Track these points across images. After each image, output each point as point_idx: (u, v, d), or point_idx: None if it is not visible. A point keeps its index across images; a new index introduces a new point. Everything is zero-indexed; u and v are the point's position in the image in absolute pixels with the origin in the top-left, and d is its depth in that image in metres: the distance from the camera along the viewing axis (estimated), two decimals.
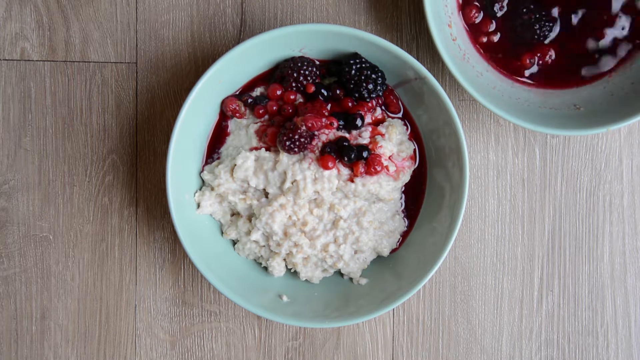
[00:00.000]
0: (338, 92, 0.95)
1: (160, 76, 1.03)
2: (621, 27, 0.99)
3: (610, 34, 0.99)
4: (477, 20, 0.99)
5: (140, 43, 1.03)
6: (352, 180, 0.93)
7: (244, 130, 0.97)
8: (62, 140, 1.03)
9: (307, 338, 1.05)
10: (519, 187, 1.05)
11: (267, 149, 0.96)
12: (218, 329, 1.05)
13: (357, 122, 0.94)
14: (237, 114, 0.97)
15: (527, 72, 1.00)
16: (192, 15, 1.03)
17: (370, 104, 0.96)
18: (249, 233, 0.97)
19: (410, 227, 1.00)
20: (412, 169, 0.99)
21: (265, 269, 1.00)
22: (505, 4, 0.98)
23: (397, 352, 1.05)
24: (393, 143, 0.95)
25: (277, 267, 0.97)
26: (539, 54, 0.99)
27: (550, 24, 0.98)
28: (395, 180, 0.95)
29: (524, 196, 1.05)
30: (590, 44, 0.99)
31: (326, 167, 0.92)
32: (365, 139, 0.94)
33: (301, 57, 0.94)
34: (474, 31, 0.99)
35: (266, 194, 0.96)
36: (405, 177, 0.97)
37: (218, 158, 0.99)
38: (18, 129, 1.03)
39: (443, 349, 1.06)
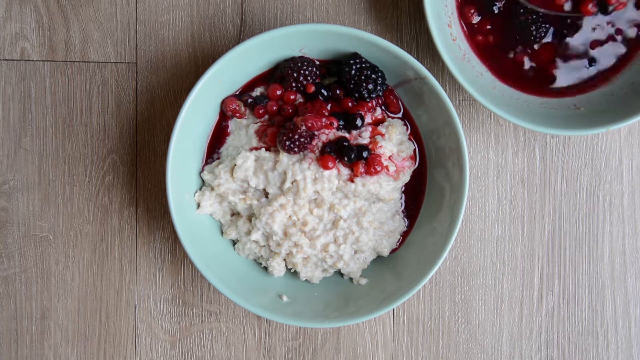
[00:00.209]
0: (338, 92, 0.95)
1: (160, 76, 1.03)
2: (621, 26, 0.99)
3: (610, 33, 0.99)
4: (475, 20, 0.99)
5: (140, 43, 1.03)
6: (352, 180, 0.93)
7: (244, 130, 0.97)
8: (62, 140, 1.03)
9: (307, 338, 1.05)
10: (519, 187, 1.05)
11: (267, 149, 0.96)
12: (218, 329, 1.05)
13: (357, 122, 0.94)
14: (237, 114, 0.97)
15: (525, 73, 1.00)
16: (192, 15, 1.03)
17: (370, 104, 0.96)
18: (249, 233, 0.97)
19: (410, 227, 1.00)
20: (412, 169, 0.99)
21: (265, 269, 1.00)
22: (502, 4, 0.98)
23: (397, 352, 1.05)
24: (393, 143, 0.95)
25: (277, 267, 0.97)
26: (536, 55, 0.99)
27: (547, 25, 0.98)
28: (395, 180, 0.95)
29: (524, 196, 1.06)
30: (590, 44, 0.99)
31: (326, 167, 0.92)
32: (365, 139, 0.94)
33: (301, 57, 0.94)
34: (473, 31, 0.99)
35: (266, 194, 0.96)
36: (405, 177, 0.97)
37: (218, 158, 0.99)
38: (18, 129, 1.03)
39: (443, 349, 1.06)
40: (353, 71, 0.92)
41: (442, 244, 0.93)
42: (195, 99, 0.91)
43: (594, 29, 0.98)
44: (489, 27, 0.99)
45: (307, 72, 0.94)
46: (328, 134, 0.94)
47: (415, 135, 0.99)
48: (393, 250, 1.00)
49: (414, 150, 0.99)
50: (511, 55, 0.99)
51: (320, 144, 0.93)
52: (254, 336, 1.05)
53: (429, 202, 0.99)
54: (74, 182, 1.04)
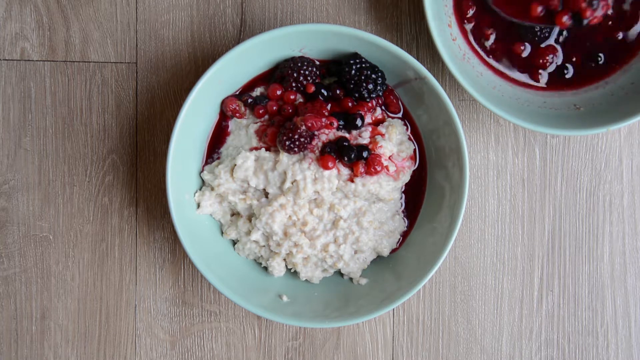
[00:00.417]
0: (338, 92, 0.95)
1: (160, 76, 1.03)
2: (621, 27, 0.99)
3: (611, 33, 0.99)
4: (470, 14, 0.98)
5: (140, 43, 1.03)
6: (352, 180, 0.93)
7: (244, 130, 0.97)
8: (62, 140, 1.03)
9: (307, 338, 1.05)
10: (519, 187, 1.05)
11: (267, 149, 0.96)
12: (218, 329, 1.05)
13: (357, 122, 0.94)
14: (237, 114, 0.97)
15: (527, 74, 1.00)
16: (192, 15, 1.03)
17: (370, 104, 0.96)
18: (249, 233, 0.97)
19: (410, 227, 1.00)
20: (412, 169, 0.99)
21: (265, 269, 1.00)
22: None
23: (397, 352, 1.05)
24: (393, 143, 0.95)
25: (277, 267, 0.97)
26: (539, 54, 0.99)
27: (550, 26, 0.98)
28: (395, 180, 0.95)
29: (524, 196, 1.05)
30: (591, 44, 0.99)
31: (326, 167, 0.92)
32: (365, 139, 0.94)
33: (301, 57, 0.94)
34: (473, 31, 0.99)
35: (266, 194, 0.96)
36: (405, 177, 0.97)
37: (218, 158, 0.99)
38: (18, 129, 1.03)
39: (443, 349, 1.06)
40: (353, 71, 0.92)
41: (442, 244, 0.93)
42: (195, 99, 0.91)
43: (596, 28, 0.98)
44: (490, 27, 0.99)
45: (307, 72, 0.94)
46: (328, 134, 0.94)
47: (415, 135, 0.99)
48: (393, 250, 1.00)
49: (414, 150, 0.99)
50: (513, 55, 0.99)
51: (320, 144, 0.93)
52: (254, 336, 1.05)
53: (429, 202, 0.99)
54: (74, 182, 1.04)
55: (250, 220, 0.97)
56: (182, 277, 1.05)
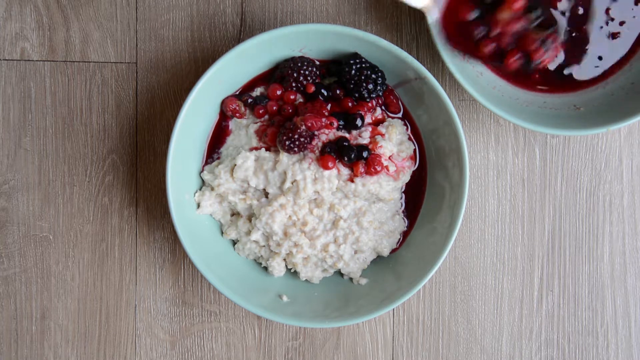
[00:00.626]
0: (338, 92, 0.95)
1: (160, 76, 1.03)
2: (620, 26, 0.99)
3: (611, 33, 0.99)
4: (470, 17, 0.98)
5: (140, 43, 1.03)
6: (352, 180, 0.93)
7: (244, 130, 0.97)
8: (62, 140, 1.03)
9: (307, 338, 1.05)
10: (519, 187, 1.05)
11: (267, 149, 0.96)
12: (218, 329, 1.05)
13: (357, 122, 0.94)
14: (237, 114, 0.97)
15: (527, 72, 1.00)
16: (192, 15, 1.03)
17: (370, 104, 0.96)
18: (249, 233, 0.97)
19: (410, 227, 1.00)
20: (412, 169, 0.99)
21: (265, 269, 1.00)
22: None
23: (397, 352, 1.05)
24: (393, 143, 0.95)
25: (277, 267, 0.97)
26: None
27: (552, 25, 0.98)
28: (395, 180, 0.95)
29: (524, 196, 1.05)
30: (591, 45, 0.99)
31: (326, 167, 0.92)
32: (365, 139, 0.94)
33: (301, 57, 0.94)
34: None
35: (266, 194, 0.96)
36: (405, 177, 0.97)
37: (218, 158, 0.99)
38: (18, 129, 1.03)
39: (443, 349, 1.06)
40: (353, 71, 0.92)
41: (442, 244, 0.93)
42: (195, 99, 0.91)
43: (600, 27, 0.98)
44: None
45: (307, 72, 0.94)
46: (328, 134, 0.94)
47: (415, 135, 0.99)
48: (393, 250, 1.00)
49: (414, 150, 0.99)
50: (513, 55, 0.99)
51: (320, 144, 0.93)
52: (254, 336, 1.05)
53: (429, 202, 0.99)
54: (74, 182, 1.04)
55: (250, 220, 0.97)
56: (182, 277, 1.05)
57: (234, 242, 1.00)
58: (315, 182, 0.92)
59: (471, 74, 0.97)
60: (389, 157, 0.95)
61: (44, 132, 1.03)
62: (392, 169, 0.95)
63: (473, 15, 0.79)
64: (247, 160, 0.94)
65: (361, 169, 0.92)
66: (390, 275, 0.98)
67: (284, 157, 0.93)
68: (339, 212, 0.95)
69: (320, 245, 0.95)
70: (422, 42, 1.04)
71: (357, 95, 0.94)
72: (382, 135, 0.95)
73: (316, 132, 0.93)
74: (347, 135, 0.94)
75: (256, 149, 0.96)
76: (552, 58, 0.79)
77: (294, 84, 0.94)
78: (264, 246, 0.97)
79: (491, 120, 1.05)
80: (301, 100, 0.96)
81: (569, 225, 1.06)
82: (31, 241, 1.04)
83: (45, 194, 1.04)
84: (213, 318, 1.05)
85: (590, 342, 1.06)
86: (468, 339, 1.06)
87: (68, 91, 1.03)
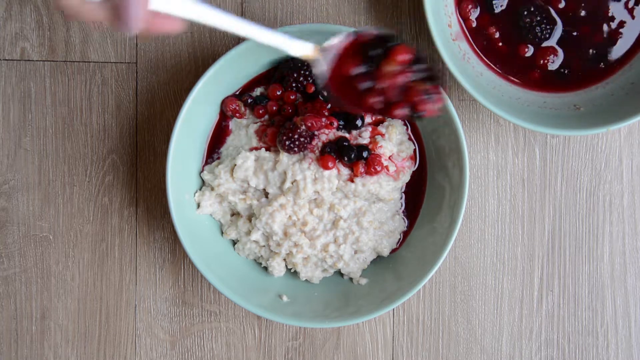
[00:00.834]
0: None
1: (160, 76, 1.03)
2: (621, 27, 0.99)
3: (611, 33, 0.99)
4: (473, 16, 0.98)
5: (140, 43, 1.03)
6: (352, 180, 0.93)
7: (244, 130, 0.97)
8: (62, 140, 1.03)
9: (307, 338, 1.05)
10: (519, 187, 1.05)
11: (267, 149, 0.96)
12: (218, 329, 1.05)
13: (357, 122, 0.94)
14: (237, 114, 0.97)
15: (527, 74, 1.00)
16: None
17: None
18: (249, 233, 0.97)
19: (410, 227, 1.00)
20: (412, 169, 0.99)
21: (265, 269, 1.00)
22: (505, 3, 0.98)
23: (397, 352, 1.05)
24: (393, 143, 0.95)
25: (277, 267, 0.97)
26: (538, 56, 0.99)
27: (550, 27, 0.98)
28: (395, 180, 0.95)
29: (524, 196, 1.05)
30: (591, 45, 0.99)
31: (326, 167, 0.92)
32: (365, 139, 0.94)
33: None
34: (473, 31, 0.99)
35: (266, 194, 0.96)
36: (406, 177, 0.97)
37: (218, 158, 0.99)
38: (18, 129, 1.03)
39: (443, 349, 1.06)
40: None
41: (442, 244, 0.93)
42: (195, 99, 0.91)
43: (600, 27, 0.98)
44: (490, 26, 0.99)
45: (307, 72, 0.94)
46: (328, 134, 0.94)
47: (415, 135, 0.99)
48: (393, 250, 1.00)
49: (414, 150, 0.99)
50: (513, 55, 0.99)
51: (320, 144, 0.93)
52: (254, 336, 1.05)
53: (429, 202, 0.99)
54: (74, 182, 1.04)
55: (250, 220, 0.97)
56: (182, 277, 1.05)
57: (234, 242, 1.00)
58: (315, 182, 0.92)
59: (471, 74, 0.97)
60: (389, 157, 0.95)
61: (44, 132, 1.03)
62: (392, 169, 0.95)
63: (359, 69, 0.81)
64: (247, 160, 0.94)
65: (361, 169, 0.92)
66: (390, 275, 0.98)
67: (284, 157, 0.93)
68: (339, 212, 0.95)
69: (320, 245, 0.95)
70: (422, 42, 1.04)
71: None
72: (382, 135, 0.95)
73: (316, 132, 0.93)
74: (347, 135, 0.94)
75: (256, 149, 0.96)
76: (436, 108, 0.82)
77: (294, 84, 0.94)
78: (264, 246, 0.97)
79: (491, 120, 1.05)
80: (301, 100, 0.96)
81: (569, 225, 1.06)
82: (31, 241, 1.04)
83: (45, 194, 1.04)
84: (213, 318, 1.05)
85: (590, 342, 1.06)
86: (468, 339, 1.06)
87: (68, 91, 1.03)
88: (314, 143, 0.93)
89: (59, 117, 1.03)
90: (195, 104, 0.91)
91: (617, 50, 0.99)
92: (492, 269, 1.06)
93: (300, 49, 0.79)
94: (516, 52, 0.99)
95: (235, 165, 0.94)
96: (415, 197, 1.00)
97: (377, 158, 0.92)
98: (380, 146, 0.93)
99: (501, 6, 0.98)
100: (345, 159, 0.92)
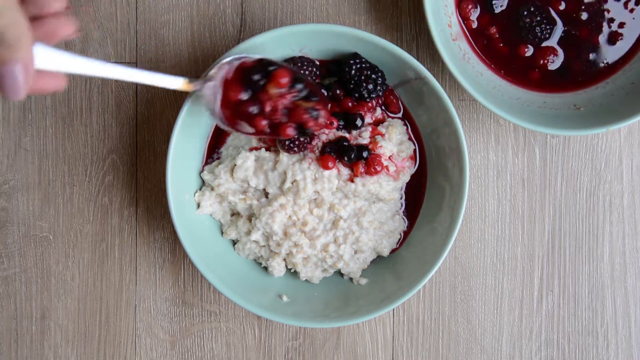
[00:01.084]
0: (338, 92, 0.95)
1: None
2: (621, 28, 0.99)
3: (611, 34, 0.99)
4: (473, 16, 0.99)
5: (140, 43, 1.03)
6: (352, 180, 0.93)
7: None
8: (62, 140, 1.03)
9: (307, 338, 1.05)
10: (519, 187, 1.05)
11: (267, 149, 0.96)
12: (218, 329, 1.05)
13: (357, 122, 0.94)
14: None
15: (527, 74, 1.00)
16: (192, 15, 1.03)
17: (370, 104, 0.96)
18: (249, 233, 0.97)
19: (410, 227, 1.00)
20: (412, 169, 0.99)
21: (265, 269, 1.00)
22: (505, 3, 0.98)
23: (397, 352, 1.05)
24: (393, 143, 0.95)
25: (277, 267, 0.97)
26: (538, 56, 0.99)
27: (550, 27, 0.98)
28: (395, 180, 0.95)
29: (524, 196, 1.06)
30: (591, 45, 0.99)
31: (326, 167, 0.92)
32: (365, 139, 0.94)
33: (301, 57, 0.94)
34: (473, 31, 0.99)
35: (266, 194, 0.96)
36: (405, 177, 0.97)
37: (218, 158, 0.99)
38: (18, 129, 1.03)
39: (443, 349, 1.06)
40: (353, 71, 0.92)
41: (442, 244, 0.93)
42: (195, 99, 0.91)
43: (600, 28, 0.98)
44: (490, 26, 0.99)
45: (307, 72, 0.94)
46: (328, 134, 0.94)
47: (415, 135, 0.99)
48: (393, 250, 1.00)
49: (414, 150, 0.99)
50: (513, 55, 0.99)
51: (320, 144, 0.93)
52: (254, 336, 1.05)
53: (429, 202, 0.99)
54: (74, 182, 1.04)
55: (250, 220, 0.97)
56: (182, 277, 1.05)
57: (234, 242, 1.00)
58: (315, 182, 0.92)
59: (471, 74, 0.97)
60: (389, 157, 0.95)
61: (44, 132, 1.03)
62: (392, 169, 0.95)
63: (245, 95, 0.86)
64: (247, 160, 0.94)
65: (361, 169, 0.92)
66: (390, 275, 0.98)
67: (284, 157, 0.93)
68: (339, 212, 0.95)
69: (320, 245, 0.95)
70: (422, 42, 1.04)
71: (357, 95, 0.94)
72: (382, 135, 0.95)
73: (316, 132, 0.93)
74: (347, 135, 0.94)
75: (256, 149, 0.96)
76: (324, 124, 0.88)
77: None
78: (264, 246, 0.97)
79: (491, 120, 1.05)
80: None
81: (569, 225, 1.06)
82: (31, 241, 1.04)
83: (45, 194, 1.04)
84: (213, 318, 1.05)
85: (590, 342, 1.06)
86: (468, 339, 1.06)
87: (68, 91, 1.03)
88: (313, 143, 0.93)
89: (59, 117, 1.03)
90: (196, 104, 0.91)
91: (617, 51, 0.99)
92: (492, 269, 1.06)
93: (172, 83, 0.83)
94: (516, 52, 0.99)
95: (235, 165, 0.94)
96: (415, 197, 1.00)
97: (377, 158, 0.92)
98: (380, 146, 0.93)
99: (501, 6, 0.98)
100: (345, 159, 0.92)
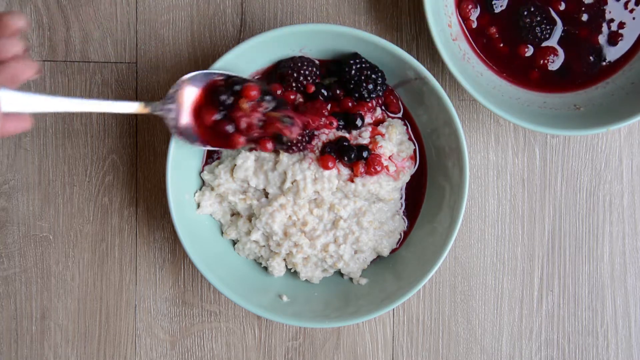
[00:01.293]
0: (338, 92, 0.95)
1: (160, 76, 1.03)
2: (621, 28, 0.99)
3: (611, 34, 0.99)
4: (473, 16, 0.99)
5: (140, 43, 1.03)
6: (352, 180, 0.93)
7: None
8: (62, 140, 1.03)
9: (307, 338, 1.05)
10: (519, 187, 1.05)
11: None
12: (218, 329, 1.05)
13: (357, 122, 0.94)
14: None
15: (527, 74, 1.00)
16: (192, 15, 1.03)
17: (370, 104, 0.96)
18: (249, 233, 0.97)
19: (410, 227, 1.00)
20: (412, 169, 0.99)
21: (265, 269, 1.00)
22: (505, 3, 0.98)
23: (397, 352, 1.05)
24: (393, 143, 0.95)
25: (277, 267, 0.97)
26: (538, 56, 0.99)
27: (550, 27, 0.98)
28: (395, 180, 0.95)
29: (524, 196, 1.06)
30: (591, 45, 0.99)
31: (326, 167, 0.92)
32: (365, 139, 0.94)
33: (301, 57, 0.94)
34: (473, 31, 0.99)
35: (266, 194, 0.96)
36: (405, 177, 0.97)
37: (218, 158, 0.99)
38: None
39: (443, 349, 1.06)
40: (353, 71, 0.92)
41: (442, 244, 0.93)
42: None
43: (600, 28, 0.98)
44: (490, 26, 0.99)
45: (307, 72, 0.94)
46: (328, 134, 0.94)
47: (415, 135, 0.99)
48: (393, 250, 1.00)
49: (414, 150, 0.99)
50: (513, 55, 0.99)
51: (320, 144, 0.93)
52: (254, 336, 1.05)
53: (429, 202, 0.99)
54: (74, 182, 1.04)
55: (250, 220, 0.97)
56: (182, 277, 1.05)
57: (234, 242, 1.00)
58: (315, 182, 0.92)
59: (471, 74, 0.97)
60: (389, 157, 0.95)
61: (44, 132, 1.03)
62: (392, 169, 0.95)
63: (218, 115, 0.89)
64: (247, 160, 0.94)
65: (361, 169, 0.92)
66: (390, 275, 0.98)
67: (284, 157, 0.93)
68: (339, 212, 0.95)
69: (320, 245, 0.95)
70: (422, 42, 1.04)
71: (357, 95, 0.94)
72: (382, 135, 0.95)
73: (316, 132, 0.93)
74: (347, 135, 0.94)
75: (256, 149, 0.96)
76: (300, 130, 0.90)
77: (294, 84, 0.94)
78: (264, 246, 0.97)
79: (491, 120, 1.05)
80: (301, 100, 0.96)
81: (569, 225, 1.06)
82: (31, 241, 1.04)
83: (45, 194, 1.04)
84: (213, 318, 1.05)
85: (590, 342, 1.06)
86: (468, 339, 1.06)
87: (68, 91, 1.03)
88: (313, 143, 0.93)
89: (59, 117, 1.03)
90: None
91: (617, 51, 0.99)
92: (492, 269, 1.06)
93: (129, 108, 0.85)
94: (516, 52, 0.99)
95: (235, 165, 0.94)
96: (415, 197, 1.00)
97: (377, 158, 0.92)
98: (380, 146, 0.93)
99: (501, 6, 0.98)
100: (345, 159, 0.92)
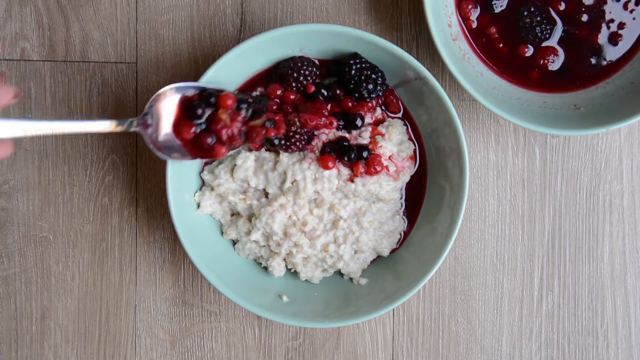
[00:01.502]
0: (338, 92, 0.95)
1: (160, 76, 1.03)
2: (621, 29, 0.99)
3: (611, 34, 0.99)
4: (473, 16, 0.99)
5: (140, 43, 1.03)
6: (352, 180, 0.93)
7: None
8: (62, 140, 1.03)
9: (307, 338, 1.05)
10: (519, 187, 1.05)
11: (267, 149, 0.96)
12: (218, 329, 1.05)
13: (357, 122, 0.94)
14: None
15: (527, 74, 1.00)
16: (192, 15, 1.03)
17: (370, 104, 0.96)
18: (249, 233, 0.97)
19: (410, 227, 1.00)
20: (412, 169, 0.99)
21: (265, 269, 1.00)
22: (505, 3, 0.98)
23: (397, 352, 1.05)
24: (393, 143, 0.95)
25: (277, 267, 0.97)
26: (538, 56, 0.99)
27: (550, 27, 0.98)
28: (395, 180, 0.95)
29: (524, 196, 1.06)
30: (591, 45, 0.99)
31: (326, 167, 0.92)
32: (365, 139, 0.94)
33: (301, 57, 0.94)
34: (473, 31, 0.99)
35: (266, 194, 0.96)
36: (405, 177, 0.97)
37: None
38: None
39: (443, 349, 1.06)
40: (353, 71, 0.92)
41: (442, 244, 0.93)
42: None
43: (600, 28, 0.98)
44: (490, 26, 0.99)
45: (307, 72, 0.94)
46: (328, 134, 0.94)
47: (415, 135, 0.99)
48: (393, 250, 1.00)
49: (414, 150, 0.99)
50: (513, 55, 1.00)
51: (320, 144, 0.93)
52: (254, 336, 1.05)
53: (429, 202, 0.99)
54: (74, 182, 1.04)
55: (250, 220, 0.97)
56: (182, 277, 1.05)
57: (234, 242, 1.00)
58: (315, 182, 0.92)
59: (471, 74, 0.97)
60: (389, 157, 0.95)
61: None
62: (392, 169, 0.95)
63: (197, 129, 0.89)
64: (247, 160, 0.94)
65: (361, 169, 0.92)
66: (390, 275, 0.98)
67: (284, 157, 0.93)
68: (339, 212, 0.95)
69: (320, 245, 0.95)
70: (422, 42, 1.04)
71: (357, 95, 0.94)
72: (382, 135, 0.95)
73: (316, 132, 0.93)
74: (347, 135, 0.94)
75: (256, 149, 0.96)
76: (282, 130, 0.91)
77: (294, 84, 0.94)
78: (264, 246, 0.97)
79: (491, 120, 1.05)
80: (301, 99, 0.96)
81: (569, 225, 1.06)
82: (31, 241, 1.04)
83: (45, 194, 1.04)
84: (213, 318, 1.05)
85: (590, 342, 1.06)
86: (468, 339, 1.06)
87: (68, 91, 1.03)
88: (313, 143, 0.93)
89: (59, 117, 1.03)
90: None
91: (617, 51, 0.99)
92: (492, 269, 1.06)
93: (100, 127, 0.85)
94: (516, 52, 0.99)
95: (235, 165, 0.94)
96: (415, 197, 1.00)
97: (377, 158, 0.92)
98: (380, 146, 0.93)
99: (501, 6, 0.98)
100: (345, 159, 0.92)
